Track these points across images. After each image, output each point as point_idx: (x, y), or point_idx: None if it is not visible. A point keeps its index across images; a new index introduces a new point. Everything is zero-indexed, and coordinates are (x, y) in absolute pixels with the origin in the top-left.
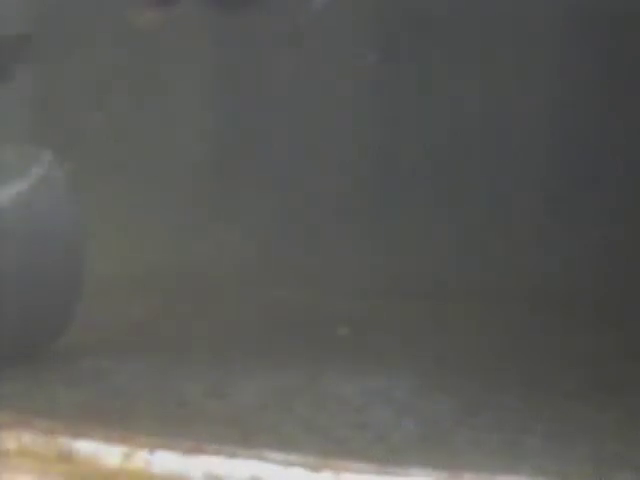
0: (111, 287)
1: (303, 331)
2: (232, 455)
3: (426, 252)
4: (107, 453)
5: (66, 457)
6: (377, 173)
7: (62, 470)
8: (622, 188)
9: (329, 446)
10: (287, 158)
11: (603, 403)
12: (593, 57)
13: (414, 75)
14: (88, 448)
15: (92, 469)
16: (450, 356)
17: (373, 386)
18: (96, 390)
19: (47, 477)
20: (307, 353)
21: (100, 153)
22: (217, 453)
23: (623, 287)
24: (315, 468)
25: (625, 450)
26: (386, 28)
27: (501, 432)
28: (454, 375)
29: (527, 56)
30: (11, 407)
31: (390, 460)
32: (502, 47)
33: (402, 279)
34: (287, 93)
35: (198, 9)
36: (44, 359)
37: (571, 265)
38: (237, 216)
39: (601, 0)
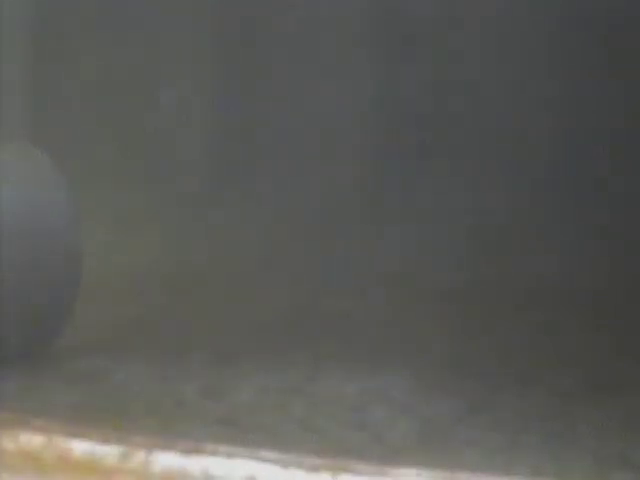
0: (110, 287)
1: (301, 331)
2: (230, 455)
3: (426, 252)
4: (105, 453)
5: (64, 457)
6: (377, 172)
7: (60, 470)
8: (622, 187)
9: (327, 446)
10: (287, 157)
11: (602, 402)
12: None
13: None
14: (86, 448)
15: (90, 469)
16: (449, 356)
17: (371, 386)
18: (94, 390)
19: (45, 477)
20: (305, 353)
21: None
22: (215, 453)
23: (623, 287)
24: (313, 468)
25: (625, 450)
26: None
27: (500, 432)
28: (453, 375)
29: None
30: (8, 407)
31: (388, 460)
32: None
33: (402, 279)
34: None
35: None
36: (42, 359)
37: (571, 265)
38: (237, 215)
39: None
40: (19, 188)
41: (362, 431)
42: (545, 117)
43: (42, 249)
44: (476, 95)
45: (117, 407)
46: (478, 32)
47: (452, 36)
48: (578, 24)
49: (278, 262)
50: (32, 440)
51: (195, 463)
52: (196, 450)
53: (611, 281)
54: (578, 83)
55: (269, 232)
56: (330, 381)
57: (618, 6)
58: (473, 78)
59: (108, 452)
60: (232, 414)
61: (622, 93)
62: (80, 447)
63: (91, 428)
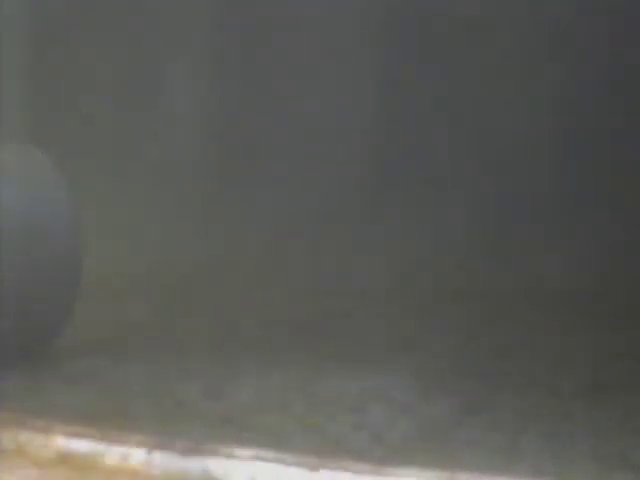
0: (110, 287)
1: (301, 331)
2: (229, 455)
3: (426, 252)
4: (105, 453)
5: (64, 457)
6: (377, 172)
7: (60, 470)
8: (622, 188)
9: (326, 446)
10: (287, 158)
11: (602, 403)
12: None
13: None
14: (86, 448)
15: (90, 469)
16: (449, 356)
17: (371, 386)
18: (94, 390)
19: (45, 477)
20: (305, 353)
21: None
22: (214, 453)
23: (623, 287)
24: (312, 468)
25: (625, 450)
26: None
27: (500, 432)
28: (453, 375)
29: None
30: (9, 407)
31: (388, 460)
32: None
33: (402, 279)
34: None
35: None
36: (42, 359)
37: (571, 265)
38: (237, 216)
39: None
40: (19, 188)
41: (362, 431)
42: (545, 117)
43: (42, 249)
44: (476, 95)
45: (117, 407)
46: (478, 33)
47: (452, 37)
48: (578, 24)
49: (278, 262)
50: (32, 440)
51: (195, 463)
52: (196, 450)
53: (611, 281)
54: (578, 83)
55: (269, 232)
56: (330, 381)
57: (618, 6)
58: (473, 78)
59: (108, 452)
60: (232, 414)
61: (622, 93)
62: (80, 447)
63: (91, 428)
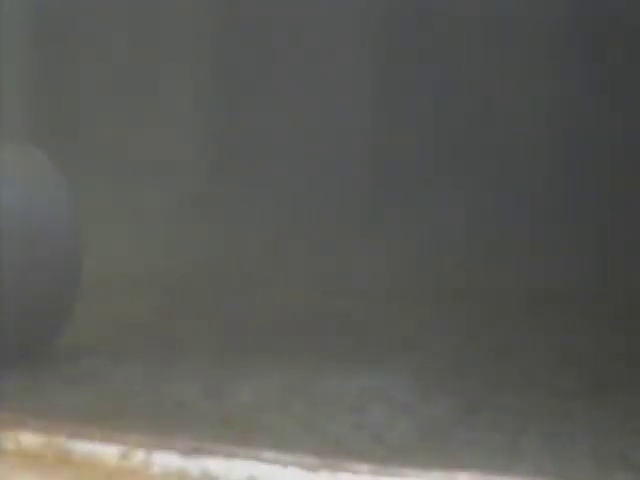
0: (111, 287)
1: (301, 331)
2: (230, 455)
3: (426, 252)
4: (105, 453)
5: (64, 457)
6: (378, 173)
7: (60, 470)
8: (622, 187)
9: (326, 446)
10: (287, 158)
11: (602, 403)
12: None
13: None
14: (86, 448)
15: (90, 469)
16: (449, 356)
17: (371, 386)
18: (94, 390)
19: (45, 477)
20: (305, 353)
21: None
22: (215, 453)
23: (623, 287)
24: (312, 468)
25: (625, 450)
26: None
27: (500, 432)
28: (453, 375)
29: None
30: (9, 407)
31: (388, 460)
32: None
33: (402, 279)
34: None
35: None
36: (43, 359)
37: (571, 265)
38: (237, 216)
39: None
40: (19, 188)
41: (362, 431)
42: (545, 118)
43: (42, 249)
44: (476, 96)
45: (117, 407)
46: (478, 35)
47: (452, 38)
48: (578, 24)
49: (278, 262)
50: (32, 440)
51: (195, 463)
52: (196, 450)
53: (611, 281)
54: (578, 83)
55: (269, 232)
56: (330, 381)
57: (618, 6)
58: (472, 79)
59: (108, 452)
60: (232, 414)
61: (622, 95)
62: (80, 447)
63: (91, 428)
